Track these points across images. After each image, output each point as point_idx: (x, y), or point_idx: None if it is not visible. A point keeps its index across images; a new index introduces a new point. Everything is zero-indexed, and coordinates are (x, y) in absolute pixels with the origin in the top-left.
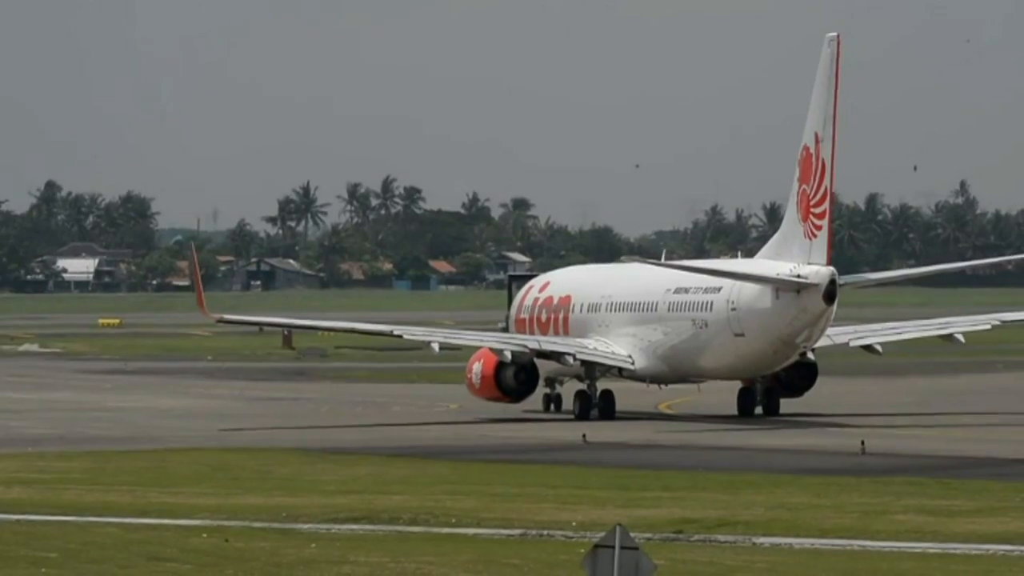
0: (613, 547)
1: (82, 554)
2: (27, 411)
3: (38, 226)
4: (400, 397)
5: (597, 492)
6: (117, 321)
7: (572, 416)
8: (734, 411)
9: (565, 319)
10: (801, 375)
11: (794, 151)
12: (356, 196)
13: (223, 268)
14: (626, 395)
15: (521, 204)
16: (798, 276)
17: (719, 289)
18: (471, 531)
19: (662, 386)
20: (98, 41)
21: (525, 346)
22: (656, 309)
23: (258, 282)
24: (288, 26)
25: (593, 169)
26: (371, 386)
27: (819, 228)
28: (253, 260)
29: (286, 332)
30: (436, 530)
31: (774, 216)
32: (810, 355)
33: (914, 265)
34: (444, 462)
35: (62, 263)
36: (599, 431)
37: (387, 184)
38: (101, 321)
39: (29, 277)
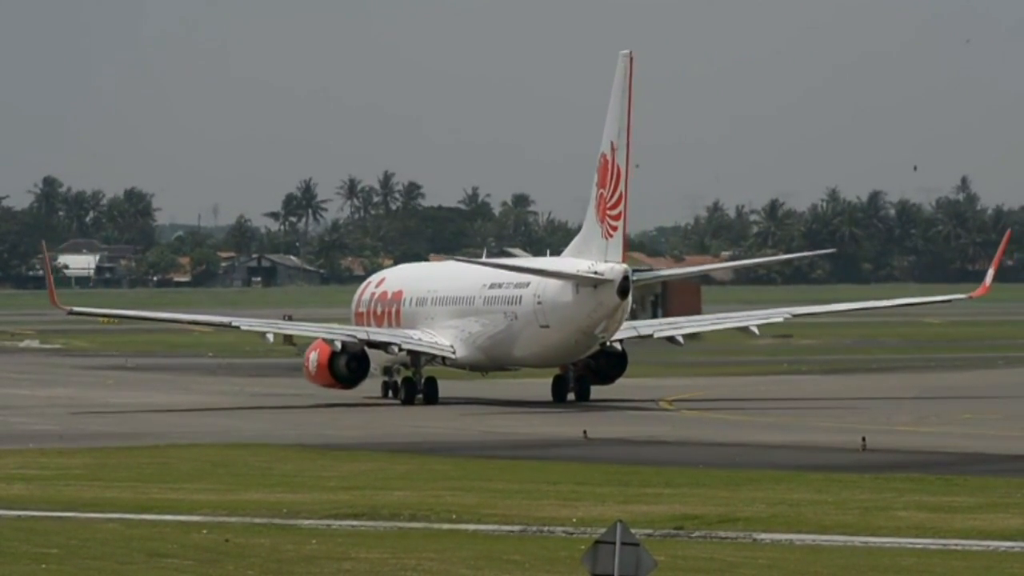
0: (614, 543)
1: (83, 550)
2: (28, 407)
3: (39, 222)
4: None
5: (597, 488)
6: None
7: (399, 401)
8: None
9: (397, 312)
10: (612, 364)
11: (795, 146)
12: (356, 192)
13: (224, 264)
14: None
15: (521, 200)
16: (595, 273)
17: (527, 284)
18: (471, 527)
19: (484, 374)
20: (99, 38)
21: (355, 336)
22: (474, 303)
23: (259, 278)
24: (289, 22)
25: (594, 165)
26: (371, 380)
27: (615, 229)
28: (254, 256)
29: None
30: (437, 526)
31: (774, 212)
32: (617, 345)
33: (915, 261)
34: (445, 458)
35: (63, 259)
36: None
37: (387, 180)
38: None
39: (30, 273)
